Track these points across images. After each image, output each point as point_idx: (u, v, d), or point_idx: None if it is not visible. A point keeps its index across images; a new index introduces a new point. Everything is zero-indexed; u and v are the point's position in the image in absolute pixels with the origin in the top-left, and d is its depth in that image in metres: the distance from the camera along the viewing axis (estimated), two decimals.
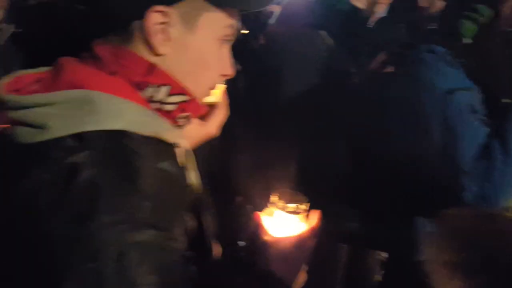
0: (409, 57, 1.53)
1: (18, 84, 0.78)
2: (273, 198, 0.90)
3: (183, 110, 0.80)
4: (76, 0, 0.86)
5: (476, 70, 1.47)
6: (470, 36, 1.62)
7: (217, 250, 0.90)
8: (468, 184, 1.37)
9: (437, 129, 1.42)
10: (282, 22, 2.20)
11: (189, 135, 0.90)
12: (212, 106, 0.95)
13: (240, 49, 0.90)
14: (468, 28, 1.59)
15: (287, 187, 1.04)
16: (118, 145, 0.68)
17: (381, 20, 1.87)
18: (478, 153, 1.38)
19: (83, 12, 0.85)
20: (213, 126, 0.95)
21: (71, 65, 0.76)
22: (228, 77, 0.86)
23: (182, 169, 0.79)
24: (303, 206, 0.90)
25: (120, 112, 0.70)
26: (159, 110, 0.77)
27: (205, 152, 0.95)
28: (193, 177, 0.83)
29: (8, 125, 0.72)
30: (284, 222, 0.90)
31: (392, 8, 1.82)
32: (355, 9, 1.83)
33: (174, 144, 0.77)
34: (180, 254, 0.67)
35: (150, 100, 0.76)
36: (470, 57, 1.51)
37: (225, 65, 0.84)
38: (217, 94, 0.96)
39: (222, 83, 1.02)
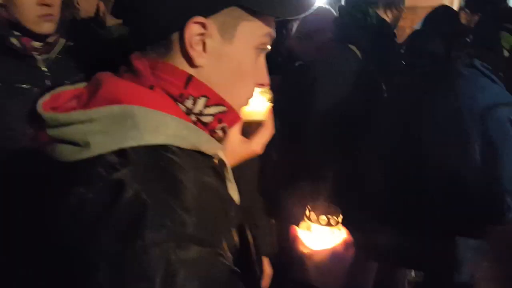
0: (448, 71, 1.50)
1: (57, 102, 0.78)
2: (308, 211, 0.90)
3: (220, 121, 0.79)
4: (117, 14, 0.86)
5: None
6: (509, 49, 1.59)
7: (267, 267, 0.89)
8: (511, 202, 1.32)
9: (477, 145, 1.39)
10: (303, 35, 2.20)
11: (234, 153, 0.90)
12: (257, 124, 0.95)
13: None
14: (509, 41, 1.55)
15: (321, 200, 1.03)
16: (160, 160, 0.67)
17: (416, 33, 1.85)
18: None
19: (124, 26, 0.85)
20: (258, 144, 0.95)
21: (109, 80, 0.76)
22: (264, 87, 0.85)
23: (223, 182, 0.79)
24: (337, 219, 0.89)
25: (161, 127, 0.70)
26: (197, 121, 0.77)
27: (248, 168, 0.95)
28: (232, 190, 0.83)
29: (48, 143, 0.73)
30: (319, 235, 0.90)
31: (427, 21, 1.79)
32: (384, 22, 1.82)
33: (213, 156, 0.77)
34: (228, 270, 0.65)
35: (189, 112, 0.76)
36: (509, 70, 1.48)
37: (262, 74, 0.83)
38: (263, 112, 0.96)
39: (268, 103, 1.02)
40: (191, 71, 0.76)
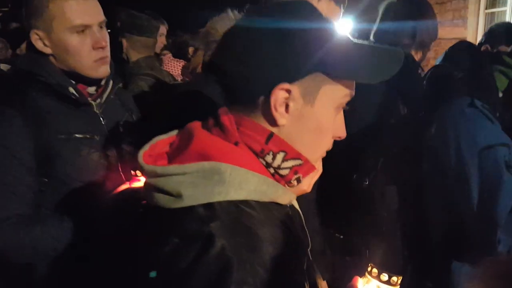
0: (452, 109, 1.62)
1: (154, 150, 0.88)
2: (370, 267, 0.97)
3: (296, 173, 0.85)
4: (213, 72, 0.92)
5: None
6: (501, 90, 1.72)
7: None
8: (502, 236, 1.46)
9: (475, 181, 1.51)
10: None
11: None
12: None
13: None
14: (502, 82, 1.68)
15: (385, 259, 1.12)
16: (242, 215, 0.77)
17: (436, 68, 1.94)
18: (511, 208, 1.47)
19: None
20: (307, 183, 0.96)
21: (200, 135, 0.84)
22: (341, 139, 0.91)
23: (296, 230, 0.88)
24: (397, 279, 0.97)
25: (244, 183, 0.78)
26: (275, 173, 0.85)
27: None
28: (305, 236, 0.91)
29: (147, 190, 0.83)
30: None
31: (448, 55, 1.88)
32: (413, 61, 1.89)
33: (288, 206, 0.86)
34: None
35: (268, 166, 0.84)
36: (504, 111, 1.60)
37: (340, 128, 0.89)
38: None
39: None
40: (272, 128, 0.83)
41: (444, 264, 1.57)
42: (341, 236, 1.82)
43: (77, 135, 1.50)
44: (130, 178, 1.48)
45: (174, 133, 0.92)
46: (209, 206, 0.75)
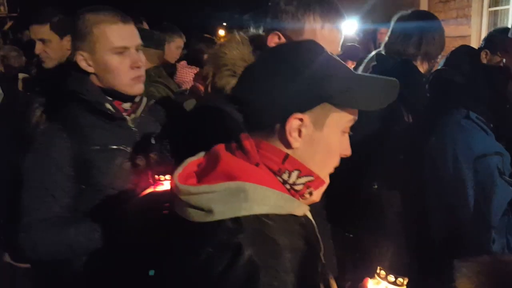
0: (449, 120, 1.77)
1: (186, 171, 1.03)
2: (379, 269, 1.09)
3: (308, 187, 1.00)
4: (235, 101, 1.08)
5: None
6: None
7: None
8: (496, 236, 1.61)
9: (470, 186, 1.66)
10: None
11: None
12: None
13: None
14: None
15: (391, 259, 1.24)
16: (264, 227, 0.91)
17: (437, 73, 2.05)
18: (504, 210, 1.62)
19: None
20: (317, 195, 1.05)
21: (226, 157, 0.99)
22: (347, 156, 1.06)
23: (310, 238, 1.01)
24: (402, 280, 1.07)
25: (265, 199, 0.93)
26: (290, 189, 0.99)
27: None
28: (319, 243, 1.06)
29: (180, 206, 0.96)
30: None
31: (449, 60, 2.00)
32: (417, 72, 2.02)
33: (303, 217, 1.01)
34: None
35: (284, 182, 0.98)
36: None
37: (345, 147, 1.03)
38: None
39: None
40: (287, 150, 0.98)
41: (446, 262, 1.71)
42: (351, 235, 1.96)
43: (111, 147, 1.66)
44: (154, 183, 1.60)
45: (201, 154, 1.07)
46: (236, 220, 0.89)
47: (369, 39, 8.40)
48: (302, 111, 0.94)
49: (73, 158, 1.62)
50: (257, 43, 1.60)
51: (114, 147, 1.67)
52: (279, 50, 1.06)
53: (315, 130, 0.97)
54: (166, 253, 1.04)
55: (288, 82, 0.94)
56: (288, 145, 0.97)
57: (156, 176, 1.58)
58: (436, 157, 1.78)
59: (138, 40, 1.69)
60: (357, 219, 1.91)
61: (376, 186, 1.86)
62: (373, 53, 2.87)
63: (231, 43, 1.59)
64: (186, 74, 4.04)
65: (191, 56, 4.17)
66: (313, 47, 1.03)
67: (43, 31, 2.56)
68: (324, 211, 1.76)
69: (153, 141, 1.72)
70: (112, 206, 1.64)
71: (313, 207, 1.09)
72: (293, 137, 0.95)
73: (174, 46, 3.91)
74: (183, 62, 4.19)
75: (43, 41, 2.56)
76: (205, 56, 3.91)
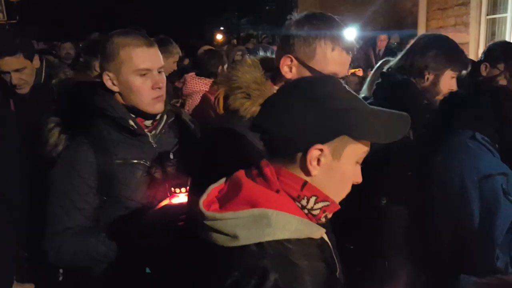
0: (454, 141, 1.83)
1: (209, 197, 1.08)
2: None
3: (324, 212, 1.07)
4: (257, 131, 1.14)
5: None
6: None
7: None
8: (500, 253, 1.68)
9: (476, 206, 1.73)
10: None
11: None
12: None
13: None
14: None
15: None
16: (287, 252, 0.97)
17: None
18: (507, 229, 1.69)
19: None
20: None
21: (247, 185, 1.05)
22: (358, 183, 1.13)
23: (327, 258, 1.08)
24: None
25: (286, 225, 1.00)
26: (308, 213, 1.06)
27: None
28: (335, 262, 1.12)
29: (205, 230, 1.02)
30: None
31: None
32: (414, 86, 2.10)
33: (320, 239, 1.08)
34: None
35: (303, 208, 1.06)
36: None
37: (357, 175, 1.11)
38: None
39: None
40: (306, 178, 1.04)
41: (451, 278, 1.78)
42: (351, 247, 2.02)
43: (132, 161, 1.77)
44: (170, 195, 1.69)
45: (222, 181, 1.13)
46: (260, 245, 0.95)
47: (368, 46, 8.56)
48: (322, 142, 1.02)
49: (97, 171, 1.72)
50: (267, 65, 1.66)
51: (135, 161, 1.77)
52: (301, 84, 1.13)
53: (333, 160, 1.04)
54: (190, 275, 1.09)
55: (311, 115, 1.01)
56: (307, 173, 1.04)
57: (172, 189, 1.67)
58: (442, 176, 1.85)
59: (160, 62, 1.79)
60: (364, 233, 1.97)
61: (384, 202, 1.93)
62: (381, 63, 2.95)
63: (242, 66, 1.66)
64: (196, 85, 4.15)
65: (202, 68, 4.29)
66: (332, 81, 1.11)
67: (17, 61, 2.68)
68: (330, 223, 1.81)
69: (171, 156, 1.80)
70: (131, 217, 1.74)
71: None
72: (312, 166, 1.02)
73: (172, 61, 4.08)
74: (192, 74, 4.31)
75: (17, 70, 2.67)
76: (219, 70, 4.03)
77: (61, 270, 2.26)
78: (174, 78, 4.76)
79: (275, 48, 1.73)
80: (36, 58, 2.83)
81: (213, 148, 1.59)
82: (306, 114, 1.01)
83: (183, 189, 1.65)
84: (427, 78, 2.11)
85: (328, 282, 1.01)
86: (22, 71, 2.67)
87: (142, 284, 1.73)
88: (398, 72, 2.14)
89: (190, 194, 1.56)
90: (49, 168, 1.76)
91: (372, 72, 3.07)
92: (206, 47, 5.60)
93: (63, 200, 1.70)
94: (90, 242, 1.68)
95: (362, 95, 3.00)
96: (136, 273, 1.73)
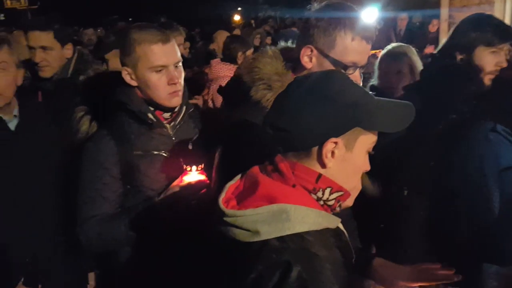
0: (475, 132, 1.82)
1: (227, 194, 1.11)
2: None
3: (338, 201, 1.12)
4: (272, 127, 1.16)
5: None
6: None
7: None
8: None
9: (496, 197, 1.73)
10: None
11: None
12: None
13: None
14: None
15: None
16: (307, 244, 1.01)
17: None
18: None
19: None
20: (350, 201, 1.18)
21: (263, 181, 1.09)
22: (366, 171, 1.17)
23: (343, 246, 1.12)
24: None
25: (305, 218, 1.04)
26: (324, 204, 1.11)
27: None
28: (349, 249, 1.17)
29: (224, 226, 1.06)
30: None
31: None
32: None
33: (337, 229, 1.12)
34: None
35: (319, 199, 1.10)
36: None
37: (367, 164, 1.17)
38: None
39: None
40: (320, 170, 1.09)
41: (473, 266, 1.79)
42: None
43: (152, 152, 1.83)
44: (183, 172, 1.76)
45: (238, 178, 1.17)
46: (281, 239, 0.99)
47: (389, 27, 8.39)
48: (337, 135, 1.06)
49: (119, 162, 1.80)
50: (288, 55, 1.68)
51: (155, 152, 1.84)
52: (310, 80, 1.15)
53: (346, 151, 1.09)
54: (212, 269, 1.14)
55: (325, 111, 1.07)
56: (323, 165, 1.08)
57: (184, 166, 1.73)
58: (463, 167, 1.85)
59: (176, 58, 1.83)
60: (385, 222, 1.99)
61: (406, 192, 1.94)
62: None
63: (264, 57, 1.68)
64: (221, 70, 4.24)
65: (226, 53, 4.33)
66: (339, 76, 1.15)
67: (46, 38, 2.60)
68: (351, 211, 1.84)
69: (190, 147, 1.85)
70: (151, 205, 1.82)
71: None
72: (328, 158, 1.07)
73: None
74: (217, 59, 4.43)
75: (44, 48, 2.58)
76: (239, 55, 4.07)
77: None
78: (203, 64, 4.89)
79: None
80: (70, 48, 2.77)
81: (235, 140, 1.63)
82: (320, 110, 1.06)
83: (194, 168, 1.72)
84: (461, 59, 2.03)
85: (345, 269, 1.05)
86: (49, 51, 2.60)
87: (162, 268, 1.82)
88: (441, 56, 2.12)
89: (215, 190, 1.61)
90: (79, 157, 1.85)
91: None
92: (225, 32, 5.63)
93: (90, 190, 1.80)
94: (114, 226, 1.78)
95: (371, 83, 2.97)
96: (155, 257, 1.81)
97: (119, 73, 1.85)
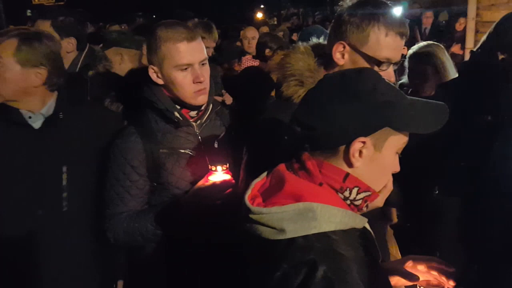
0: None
1: (254, 191, 1.11)
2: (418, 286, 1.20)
3: (365, 201, 1.09)
4: (299, 125, 1.15)
5: None
6: None
7: None
8: None
9: None
10: None
11: None
12: None
13: None
14: None
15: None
16: (333, 243, 0.98)
17: None
18: None
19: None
20: (380, 202, 1.14)
21: (290, 179, 1.07)
22: (395, 172, 1.14)
23: (369, 247, 1.09)
24: None
25: (331, 217, 1.01)
26: (351, 204, 1.08)
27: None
28: (375, 250, 1.14)
29: (250, 223, 1.04)
30: None
31: None
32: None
33: (363, 229, 1.09)
34: None
35: (345, 199, 1.07)
36: None
37: (396, 166, 1.12)
38: None
39: None
40: (347, 169, 1.06)
41: (505, 265, 1.75)
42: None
43: (178, 150, 1.82)
44: (208, 171, 1.74)
45: (264, 175, 1.15)
46: (306, 237, 0.97)
47: (414, 24, 8.26)
48: (365, 135, 1.03)
49: (146, 159, 1.79)
50: (319, 51, 1.65)
51: (181, 150, 1.83)
52: (341, 78, 1.12)
53: (375, 152, 1.05)
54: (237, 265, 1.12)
55: (354, 109, 1.03)
56: (350, 164, 1.05)
57: (209, 166, 1.72)
58: (496, 166, 1.80)
59: (202, 56, 1.80)
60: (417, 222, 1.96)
61: (437, 192, 1.90)
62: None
63: (295, 53, 1.66)
64: None
65: (257, 49, 4.33)
66: (371, 75, 1.10)
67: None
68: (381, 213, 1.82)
69: (216, 145, 1.84)
70: (176, 203, 1.81)
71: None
72: (355, 158, 1.04)
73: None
74: (249, 56, 4.47)
75: None
76: (267, 51, 4.07)
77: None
78: (235, 61, 4.91)
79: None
80: (72, 42, 2.71)
81: (266, 136, 1.62)
82: (350, 109, 1.03)
83: (219, 167, 1.71)
84: (503, 59, 1.93)
85: (371, 269, 1.02)
86: None
87: (186, 266, 1.82)
88: (481, 54, 2.05)
89: (242, 188, 1.59)
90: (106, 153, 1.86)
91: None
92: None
93: (117, 187, 1.80)
94: (140, 222, 1.78)
95: (401, 81, 2.92)
96: (180, 253, 1.81)
97: (146, 70, 1.85)
